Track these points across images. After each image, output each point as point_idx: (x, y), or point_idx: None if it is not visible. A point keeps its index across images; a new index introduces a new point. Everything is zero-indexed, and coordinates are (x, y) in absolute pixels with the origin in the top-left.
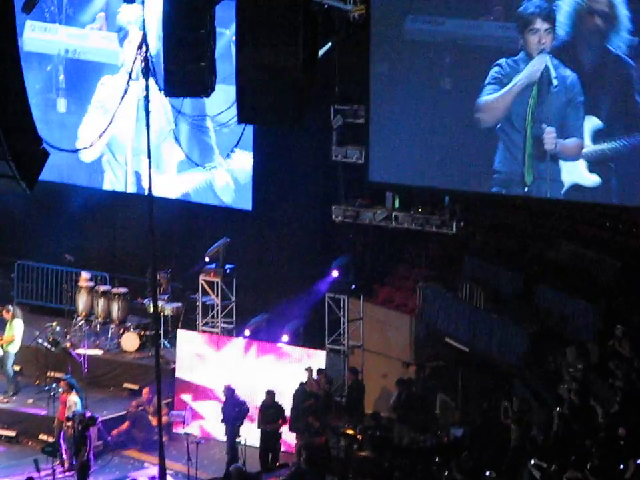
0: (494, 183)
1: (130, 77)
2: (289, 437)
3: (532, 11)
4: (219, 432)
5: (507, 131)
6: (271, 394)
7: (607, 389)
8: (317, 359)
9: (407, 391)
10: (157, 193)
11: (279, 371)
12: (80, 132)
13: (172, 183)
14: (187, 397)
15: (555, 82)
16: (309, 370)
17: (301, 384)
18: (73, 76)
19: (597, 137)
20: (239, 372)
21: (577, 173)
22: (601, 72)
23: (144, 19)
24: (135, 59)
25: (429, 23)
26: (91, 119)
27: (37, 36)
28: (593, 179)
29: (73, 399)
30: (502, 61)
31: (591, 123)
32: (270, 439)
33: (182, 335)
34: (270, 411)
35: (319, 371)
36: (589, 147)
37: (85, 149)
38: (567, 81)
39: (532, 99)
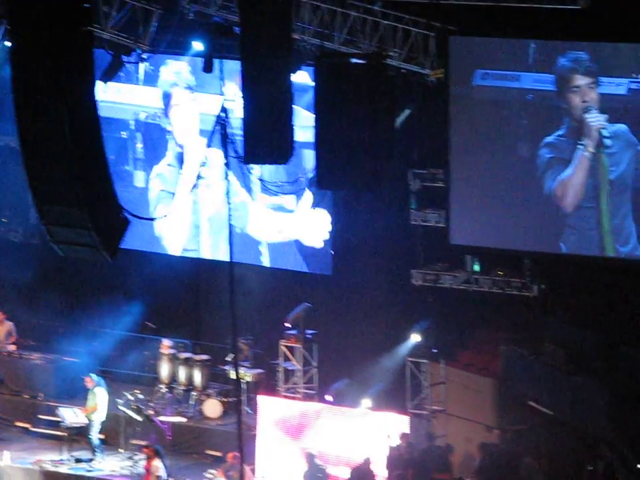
0: (574, 244)
1: (209, 145)
2: None
3: (569, 66)
4: None
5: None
6: (367, 461)
7: None
8: (400, 423)
9: (490, 455)
10: (237, 258)
11: (361, 436)
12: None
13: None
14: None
15: (607, 142)
16: (390, 437)
17: (392, 448)
18: (152, 144)
19: None
20: (320, 437)
21: None
22: None
23: (222, 83)
24: (214, 126)
25: (500, 78)
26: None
27: (109, 98)
28: None
29: (157, 464)
30: (550, 139)
31: None
32: None
33: (263, 401)
34: (363, 477)
35: (402, 436)
36: None
37: (164, 217)
38: (620, 134)
39: (601, 168)
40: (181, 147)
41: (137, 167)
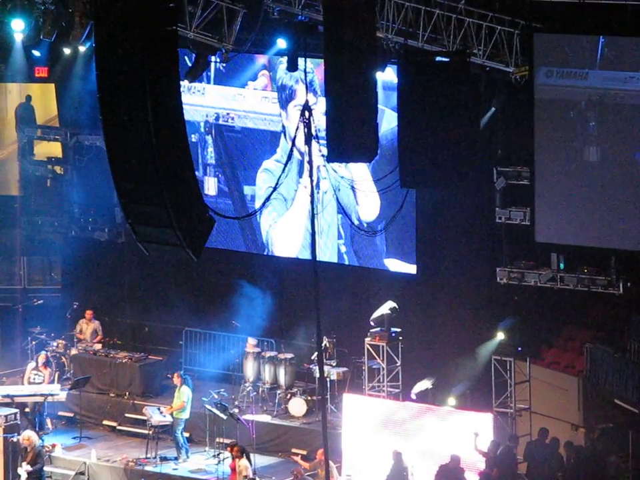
0: None
1: (293, 144)
2: None
3: None
4: None
5: None
6: (455, 459)
7: None
8: (484, 422)
9: (577, 454)
10: (321, 257)
11: (446, 434)
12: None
13: (334, 247)
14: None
15: None
16: (478, 435)
17: (478, 447)
18: (225, 148)
19: None
20: (405, 436)
21: None
22: None
23: (306, 82)
24: (298, 126)
25: (566, 76)
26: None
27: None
28: None
29: (244, 463)
30: None
31: None
32: None
33: (348, 399)
34: (452, 475)
35: (488, 434)
36: None
37: (249, 215)
38: None
39: None
40: (301, 153)
41: (208, 172)
